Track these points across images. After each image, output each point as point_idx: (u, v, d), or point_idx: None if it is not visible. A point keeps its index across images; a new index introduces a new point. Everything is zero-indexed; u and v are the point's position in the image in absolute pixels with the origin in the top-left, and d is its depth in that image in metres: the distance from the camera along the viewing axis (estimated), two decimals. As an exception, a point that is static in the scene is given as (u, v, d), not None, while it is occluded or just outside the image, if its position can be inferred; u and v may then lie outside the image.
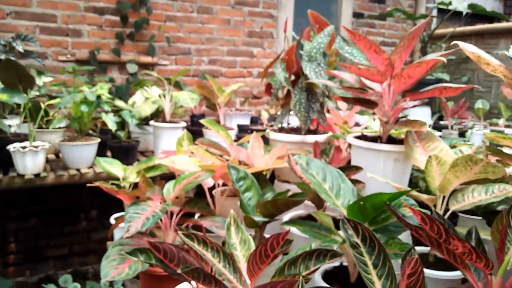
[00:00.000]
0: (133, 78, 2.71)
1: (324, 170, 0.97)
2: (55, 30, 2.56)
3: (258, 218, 0.99)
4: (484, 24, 3.75)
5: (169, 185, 1.14)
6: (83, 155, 1.96)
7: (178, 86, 2.63)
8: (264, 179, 1.23)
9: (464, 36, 3.78)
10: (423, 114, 3.52)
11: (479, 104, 2.92)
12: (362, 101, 1.24)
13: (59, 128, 2.13)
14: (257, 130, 2.56)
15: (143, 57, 2.82)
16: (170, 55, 2.97)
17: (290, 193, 1.17)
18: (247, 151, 1.50)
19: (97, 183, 1.28)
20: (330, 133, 1.68)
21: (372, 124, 1.76)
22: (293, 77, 1.65)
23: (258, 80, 3.38)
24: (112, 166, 1.51)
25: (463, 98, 2.95)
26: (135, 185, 1.57)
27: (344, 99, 1.23)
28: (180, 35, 2.98)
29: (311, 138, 1.60)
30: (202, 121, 1.66)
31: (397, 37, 3.96)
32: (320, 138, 1.63)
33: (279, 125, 1.69)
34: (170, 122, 2.27)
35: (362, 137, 1.34)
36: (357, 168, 1.14)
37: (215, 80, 2.41)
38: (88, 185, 1.37)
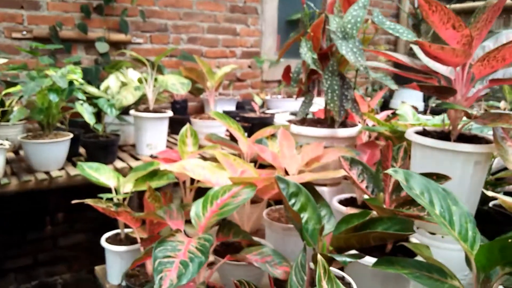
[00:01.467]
0: (104, 59, 2.32)
1: (428, 188, 0.71)
2: (7, 2, 2.11)
3: (344, 258, 0.71)
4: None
5: (197, 208, 0.85)
6: (52, 155, 1.59)
7: (159, 68, 2.26)
8: (313, 190, 0.96)
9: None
10: (416, 97, 3.35)
11: (478, 86, 2.78)
12: (438, 89, 0.99)
13: (19, 121, 1.73)
14: (249, 118, 2.27)
15: (113, 34, 2.42)
16: (145, 32, 2.58)
17: (352, 211, 0.91)
18: (272, 150, 1.21)
19: (88, 201, 0.95)
20: (359, 125, 1.43)
21: (405, 113, 1.52)
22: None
23: (242, 61, 3.06)
24: (100, 173, 1.18)
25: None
26: (131, 199, 1.24)
27: (422, 87, 0.96)
28: (155, 8, 2.60)
29: (344, 132, 1.34)
30: (211, 113, 1.35)
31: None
32: (352, 131, 1.37)
33: (300, 116, 1.41)
34: (154, 111, 1.93)
35: (424, 133, 1.09)
36: (445, 178, 0.89)
37: (203, 61, 2.08)
38: (74, 201, 1.04)
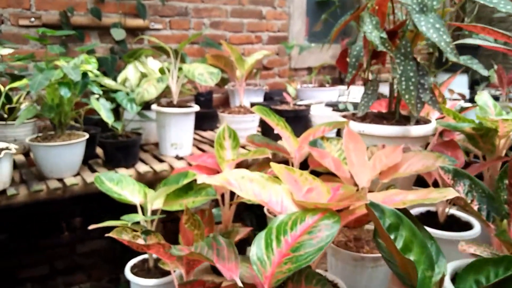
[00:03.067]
0: (121, 47, 2.08)
1: None
2: (11, -16, 1.89)
3: None
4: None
5: (258, 248, 0.61)
6: (66, 159, 1.37)
7: (182, 57, 2.03)
8: (411, 217, 0.71)
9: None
10: (460, 83, 3.04)
11: (537, 70, 2.47)
12: None
13: (28, 119, 1.52)
14: (282, 112, 2.01)
15: (130, 19, 2.18)
16: (164, 17, 2.34)
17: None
18: (333, 156, 0.97)
19: (110, 234, 0.73)
20: (434, 121, 1.17)
21: (485, 104, 1.25)
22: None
23: (268, 46, 2.80)
24: (123, 186, 0.95)
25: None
26: (164, 221, 1.01)
27: None
28: (175, -10, 2.35)
29: (418, 130, 1.08)
30: (255, 109, 1.11)
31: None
32: (428, 129, 1.11)
33: (363, 112, 1.15)
34: (178, 106, 1.69)
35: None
36: None
37: (232, 47, 1.83)
38: (92, 226, 0.81)
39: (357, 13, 1.11)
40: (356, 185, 0.92)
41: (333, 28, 1.19)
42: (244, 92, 1.96)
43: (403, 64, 1.02)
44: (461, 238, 0.88)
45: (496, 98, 2.58)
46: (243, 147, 1.73)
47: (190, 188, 0.93)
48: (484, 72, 1.04)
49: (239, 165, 1.07)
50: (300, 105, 2.17)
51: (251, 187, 0.86)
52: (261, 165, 1.07)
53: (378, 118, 1.16)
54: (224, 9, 2.55)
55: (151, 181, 1.46)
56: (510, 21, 3.15)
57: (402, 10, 1.13)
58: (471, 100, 2.87)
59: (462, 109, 1.47)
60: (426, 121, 1.15)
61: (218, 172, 1.05)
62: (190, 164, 1.19)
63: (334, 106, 2.22)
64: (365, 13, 1.04)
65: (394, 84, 1.21)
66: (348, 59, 1.16)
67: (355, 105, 2.20)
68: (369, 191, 0.85)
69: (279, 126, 1.07)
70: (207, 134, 2.09)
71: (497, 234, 0.63)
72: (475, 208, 0.73)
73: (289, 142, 1.09)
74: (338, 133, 1.92)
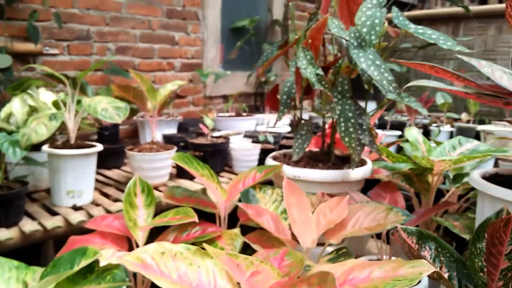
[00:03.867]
0: (6, 76, 1.75)
1: None
2: None
3: None
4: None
5: None
6: None
7: (82, 87, 1.75)
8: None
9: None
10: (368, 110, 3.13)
11: (440, 99, 2.62)
12: None
13: None
14: (200, 146, 1.83)
15: (19, 43, 1.86)
16: (61, 41, 2.05)
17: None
18: (270, 212, 0.81)
19: None
20: (369, 163, 1.08)
21: (415, 140, 1.20)
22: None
23: (181, 74, 2.62)
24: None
25: (427, 92, 2.61)
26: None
27: None
28: (74, 11, 2.07)
29: (357, 173, 0.98)
30: (174, 158, 0.92)
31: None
32: (366, 171, 1.02)
33: (298, 156, 1.02)
34: (76, 146, 1.43)
35: (496, 178, 0.76)
36: None
37: (143, 75, 1.62)
38: None
39: (287, 47, 0.99)
40: (296, 243, 0.77)
41: (248, 55, 1.06)
42: (156, 125, 1.75)
43: (340, 103, 0.92)
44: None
45: (403, 124, 2.68)
46: (157, 189, 1.51)
47: (91, 270, 0.71)
48: (423, 112, 0.99)
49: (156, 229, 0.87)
50: (218, 137, 2.01)
51: (174, 266, 0.67)
52: (183, 225, 0.88)
53: (313, 161, 1.04)
54: (132, 33, 2.32)
55: (41, 243, 1.17)
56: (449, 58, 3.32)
57: (333, 43, 1.03)
58: (381, 126, 2.95)
59: (388, 144, 1.43)
60: (363, 163, 1.06)
61: (129, 240, 0.84)
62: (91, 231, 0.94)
63: (254, 137, 2.10)
64: (299, 47, 0.92)
65: (325, 120, 1.11)
66: (278, 96, 1.04)
67: (275, 136, 2.10)
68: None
69: (205, 177, 0.89)
70: (113, 173, 1.82)
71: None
72: (445, 276, 0.62)
73: (216, 193, 0.91)
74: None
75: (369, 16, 0.92)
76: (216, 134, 2.14)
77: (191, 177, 1.69)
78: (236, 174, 1.78)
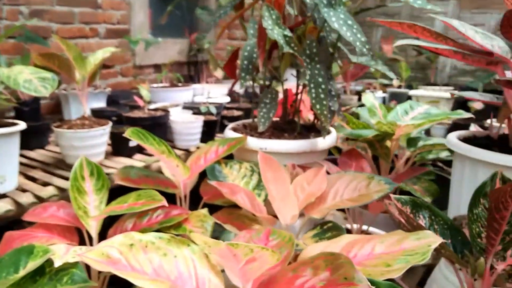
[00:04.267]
0: None
1: None
2: None
3: None
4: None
5: None
6: None
7: (-8, 55, 1.49)
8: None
9: None
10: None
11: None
12: None
13: None
14: (136, 119, 1.68)
15: None
16: (-42, 1, 1.73)
17: None
18: (244, 189, 0.74)
19: None
20: (333, 131, 1.04)
21: (372, 106, 1.18)
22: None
23: (106, 41, 2.38)
24: None
25: (361, 59, 2.64)
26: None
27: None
28: (-28, -34, 1.75)
29: (324, 142, 0.94)
30: (127, 134, 0.79)
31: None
32: (333, 140, 0.97)
33: (265, 126, 0.94)
34: (-5, 124, 1.22)
35: (473, 140, 0.75)
36: None
37: (69, 43, 1.41)
38: None
39: (248, 7, 0.89)
40: (274, 219, 0.71)
41: (180, 21, 0.95)
42: (85, 97, 1.56)
43: (309, 68, 0.85)
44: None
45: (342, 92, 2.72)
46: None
47: (41, 271, 0.58)
48: (391, 75, 0.96)
49: (113, 218, 0.75)
50: (155, 110, 1.86)
51: (146, 259, 0.58)
52: (142, 210, 0.77)
53: (278, 131, 0.97)
54: (46, -6, 2.03)
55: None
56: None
57: (294, 3, 0.95)
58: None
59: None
60: (327, 131, 1.02)
61: (80, 232, 0.71)
62: (30, 223, 0.78)
63: (194, 109, 1.98)
64: (264, 5, 0.83)
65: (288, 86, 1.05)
66: (238, 62, 0.94)
67: (217, 107, 2.00)
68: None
69: (164, 154, 0.79)
70: (37, 154, 1.61)
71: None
72: (441, 246, 0.60)
73: (176, 172, 0.81)
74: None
75: (336, -28, 0.86)
76: (152, 106, 1.99)
77: (129, 154, 1.56)
78: (179, 149, 1.67)
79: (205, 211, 0.79)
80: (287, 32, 0.82)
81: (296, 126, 0.98)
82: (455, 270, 0.60)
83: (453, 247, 0.61)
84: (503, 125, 0.79)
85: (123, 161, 1.46)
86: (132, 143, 1.57)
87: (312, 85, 0.83)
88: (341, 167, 0.99)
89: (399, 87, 2.71)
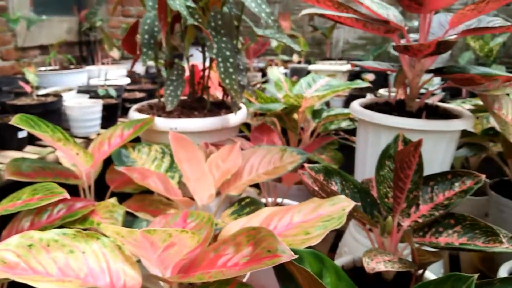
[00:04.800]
0: None
1: None
2: None
3: None
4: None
5: None
6: None
7: None
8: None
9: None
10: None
11: (274, 42, 2.71)
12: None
13: None
14: (24, 107, 1.51)
15: None
16: None
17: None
18: (156, 172, 0.71)
19: None
20: (243, 106, 1.03)
21: (278, 80, 1.19)
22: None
23: (-22, 20, 2.07)
24: None
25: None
26: None
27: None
28: None
29: (235, 119, 0.93)
30: (15, 121, 0.69)
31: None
32: (243, 115, 0.97)
33: (172, 106, 0.89)
34: None
35: (372, 107, 0.80)
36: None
37: None
38: None
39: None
40: (190, 201, 0.69)
41: None
42: (-41, 86, 1.35)
43: (216, 41, 0.82)
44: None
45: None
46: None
47: None
48: (296, 47, 0.97)
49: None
50: (46, 96, 1.69)
51: (50, 258, 0.52)
52: (40, 208, 0.68)
53: (187, 110, 0.93)
54: None
55: None
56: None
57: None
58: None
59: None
60: (237, 107, 1.00)
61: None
62: None
63: (91, 92, 1.83)
64: (161, -28, 0.77)
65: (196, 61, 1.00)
66: (138, 37, 0.87)
67: (117, 89, 1.88)
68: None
69: (61, 142, 0.70)
70: None
71: (405, 242, 0.54)
72: (353, 209, 0.63)
73: (77, 160, 0.74)
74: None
75: None
76: (42, 92, 1.79)
77: (18, 147, 1.39)
78: (77, 137, 1.54)
79: (113, 200, 0.74)
80: (190, 3, 0.78)
81: (205, 104, 0.95)
82: (365, 231, 0.63)
83: (364, 209, 0.64)
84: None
85: (12, 155, 1.30)
86: (21, 134, 1.40)
87: (220, 59, 0.81)
88: (253, 142, 0.98)
89: (299, 62, 2.80)
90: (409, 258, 0.59)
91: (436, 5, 0.67)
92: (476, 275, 0.45)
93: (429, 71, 0.73)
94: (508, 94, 0.80)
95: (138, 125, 0.84)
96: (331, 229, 0.51)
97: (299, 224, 0.54)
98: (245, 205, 0.69)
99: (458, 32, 0.73)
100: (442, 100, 1.77)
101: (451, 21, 0.70)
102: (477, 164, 1.36)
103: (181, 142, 0.71)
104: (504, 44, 2.20)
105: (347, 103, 2.02)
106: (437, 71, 0.72)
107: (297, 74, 2.57)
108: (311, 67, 2.55)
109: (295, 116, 1.15)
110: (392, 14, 0.77)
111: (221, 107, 0.97)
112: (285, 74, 2.76)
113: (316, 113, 1.27)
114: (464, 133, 0.97)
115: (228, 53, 0.82)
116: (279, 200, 1.02)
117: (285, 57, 2.88)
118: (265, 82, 1.28)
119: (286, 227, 0.55)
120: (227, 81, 0.81)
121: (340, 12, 0.70)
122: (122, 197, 0.82)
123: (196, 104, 0.96)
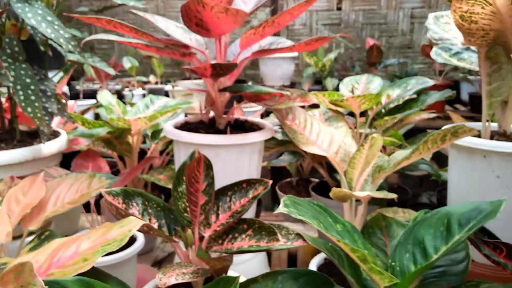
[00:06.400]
0: None
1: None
2: None
3: None
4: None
5: None
6: None
7: None
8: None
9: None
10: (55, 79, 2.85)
11: (127, 63, 2.66)
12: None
13: None
14: None
15: None
16: None
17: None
18: None
19: None
20: (64, 133, 0.99)
21: (109, 104, 1.16)
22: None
23: None
24: None
25: (113, 57, 2.59)
26: None
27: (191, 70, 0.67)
28: None
29: (51, 147, 0.88)
30: None
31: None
32: (63, 143, 0.93)
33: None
34: None
35: (188, 126, 0.83)
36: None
37: None
38: None
39: None
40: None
41: None
42: None
43: (13, 68, 0.77)
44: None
45: (96, 91, 2.62)
46: None
47: None
48: (110, 71, 0.95)
49: None
50: None
51: None
52: None
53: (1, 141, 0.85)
54: None
55: None
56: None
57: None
58: (74, 97, 2.78)
59: (82, 112, 1.36)
60: (55, 134, 0.95)
61: None
62: None
63: None
64: None
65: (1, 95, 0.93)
66: None
67: None
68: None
69: None
70: None
71: (199, 255, 0.57)
72: (155, 226, 0.64)
73: None
74: None
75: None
76: None
77: None
78: None
79: None
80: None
81: (15, 134, 0.88)
82: (173, 246, 0.65)
83: (168, 225, 0.66)
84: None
85: None
86: None
87: (18, 87, 0.76)
88: (76, 169, 0.95)
89: (156, 83, 2.79)
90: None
91: (221, 31, 0.73)
92: (239, 276, 0.49)
93: (224, 90, 0.80)
94: (303, 107, 0.91)
95: None
96: (108, 251, 0.51)
97: (84, 251, 0.53)
98: (44, 239, 0.65)
99: (249, 54, 0.81)
100: (264, 115, 1.91)
101: (240, 44, 0.77)
102: (309, 168, 1.51)
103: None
104: (336, 59, 2.48)
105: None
106: (230, 90, 0.79)
107: (155, 94, 2.56)
108: (168, 87, 2.56)
109: (129, 139, 1.14)
110: (195, 38, 0.82)
111: (36, 137, 0.91)
112: (143, 95, 2.73)
113: (155, 134, 1.27)
114: (283, 142, 1.06)
115: (28, 80, 0.78)
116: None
117: (144, 78, 2.85)
118: (99, 106, 1.25)
119: (70, 257, 0.53)
120: (29, 109, 0.76)
121: (137, 39, 0.72)
122: None
123: (6, 135, 0.89)
